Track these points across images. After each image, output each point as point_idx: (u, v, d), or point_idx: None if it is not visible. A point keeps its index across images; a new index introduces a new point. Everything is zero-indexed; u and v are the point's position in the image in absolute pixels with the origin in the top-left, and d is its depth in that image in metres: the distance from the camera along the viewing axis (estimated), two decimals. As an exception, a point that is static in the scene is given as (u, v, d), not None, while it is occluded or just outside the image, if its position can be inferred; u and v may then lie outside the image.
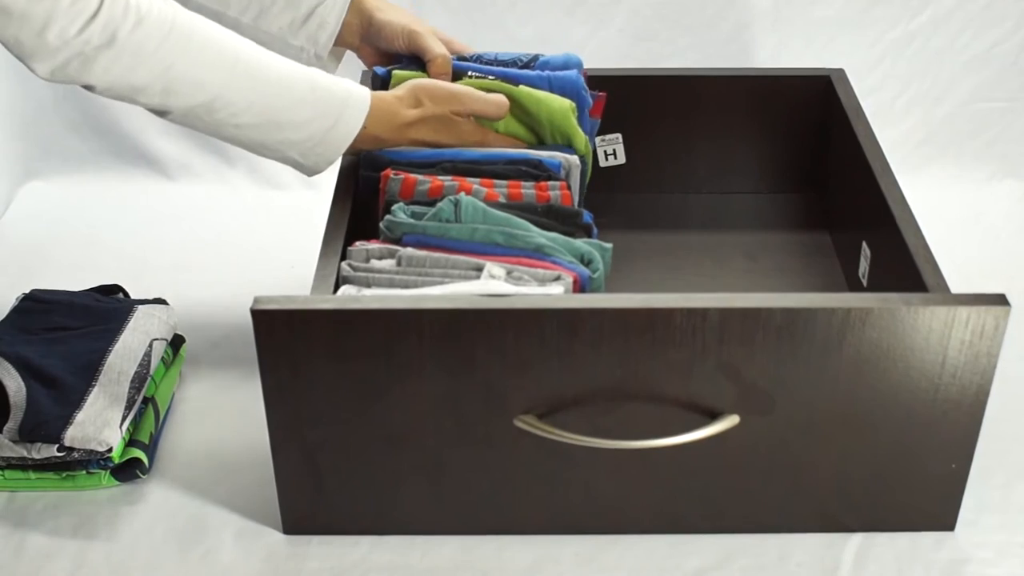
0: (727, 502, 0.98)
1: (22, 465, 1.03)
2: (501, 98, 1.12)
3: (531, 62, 1.20)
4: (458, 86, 1.13)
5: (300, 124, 1.05)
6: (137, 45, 0.97)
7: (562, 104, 1.14)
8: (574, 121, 1.14)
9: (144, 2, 0.97)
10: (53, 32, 0.94)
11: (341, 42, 1.21)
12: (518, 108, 1.14)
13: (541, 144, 1.16)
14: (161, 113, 1.03)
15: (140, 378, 1.08)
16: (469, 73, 1.17)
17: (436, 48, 1.17)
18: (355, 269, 0.98)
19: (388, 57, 1.23)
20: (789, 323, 0.88)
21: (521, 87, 1.14)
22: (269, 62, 1.04)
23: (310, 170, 1.10)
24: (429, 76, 1.16)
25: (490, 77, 1.16)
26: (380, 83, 1.19)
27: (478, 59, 1.20)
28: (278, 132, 1.05)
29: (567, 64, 1.19)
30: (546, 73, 1.16)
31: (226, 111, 1.02)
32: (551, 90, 1.15)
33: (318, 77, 1.06)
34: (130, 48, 0.96)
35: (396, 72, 1.17)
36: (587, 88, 1.17)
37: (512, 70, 1.17)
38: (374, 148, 1.11)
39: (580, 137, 1.15)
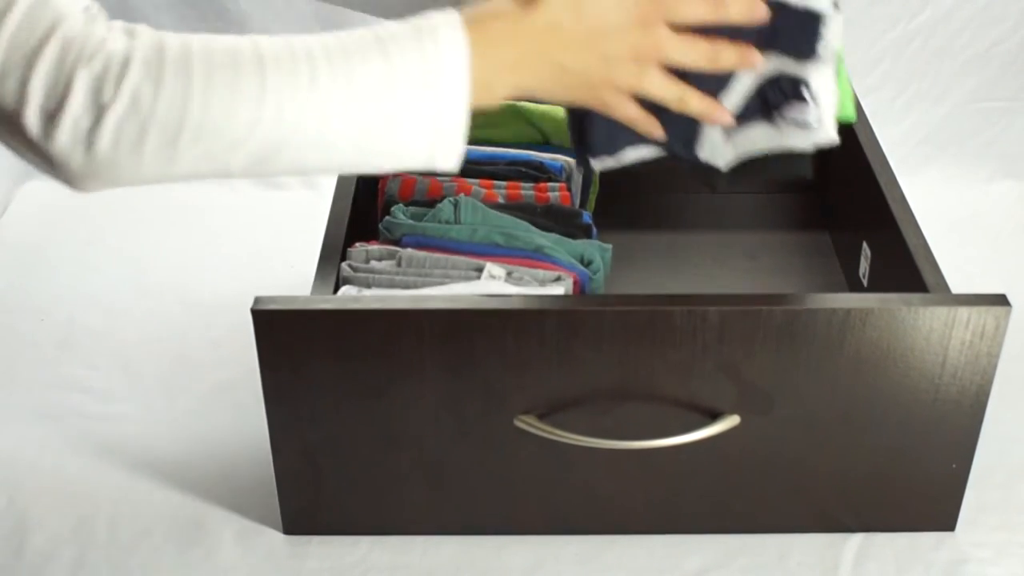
0: (727, 502, 0.98)
1: None
2: None
3: None
4: None
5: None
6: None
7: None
8: None
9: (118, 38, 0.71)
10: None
11: None
12: (524, 117, 1.15)
13: (547, 145, 1.16)
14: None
15: None
16: None
17: None
18: (355, 270, 0.98)
19: None
20: (789, 323, 0.88)
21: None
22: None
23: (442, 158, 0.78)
24: None
25: None
26: None
27: None
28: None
29: None
30: None
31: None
32: None
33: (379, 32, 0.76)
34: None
35: None
36: None
37: None
38: (517, 91, 0.80)
39: None
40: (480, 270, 0.97)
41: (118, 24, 0.72)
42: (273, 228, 1.43)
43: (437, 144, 0.76)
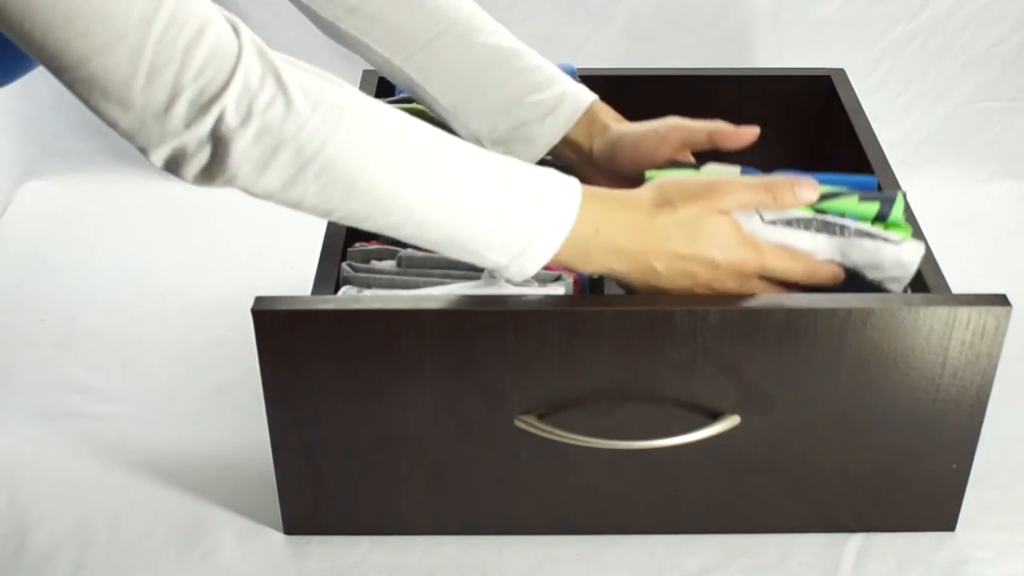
0: (727, 502, 0.98)
1: None
2: (831, 269, 0.92)
3: None
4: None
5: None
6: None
7: None
8: None
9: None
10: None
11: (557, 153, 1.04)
12: None
13: None
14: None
15: None
16: None
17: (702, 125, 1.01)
18: (355, 270, 0.98)
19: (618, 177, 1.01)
20: (790, 323, 0.88)
21: None
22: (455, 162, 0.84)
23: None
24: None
25: None
26: None
27: None
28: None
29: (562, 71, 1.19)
30: None
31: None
32: None
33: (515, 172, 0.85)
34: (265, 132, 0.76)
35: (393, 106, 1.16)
36: None
37: None
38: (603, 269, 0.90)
39: None
40: (480, 270, 0.97)
41: (253, 39, 0.77)
42: (273, 228, 1.42)
43: (512, 269, 0.86)
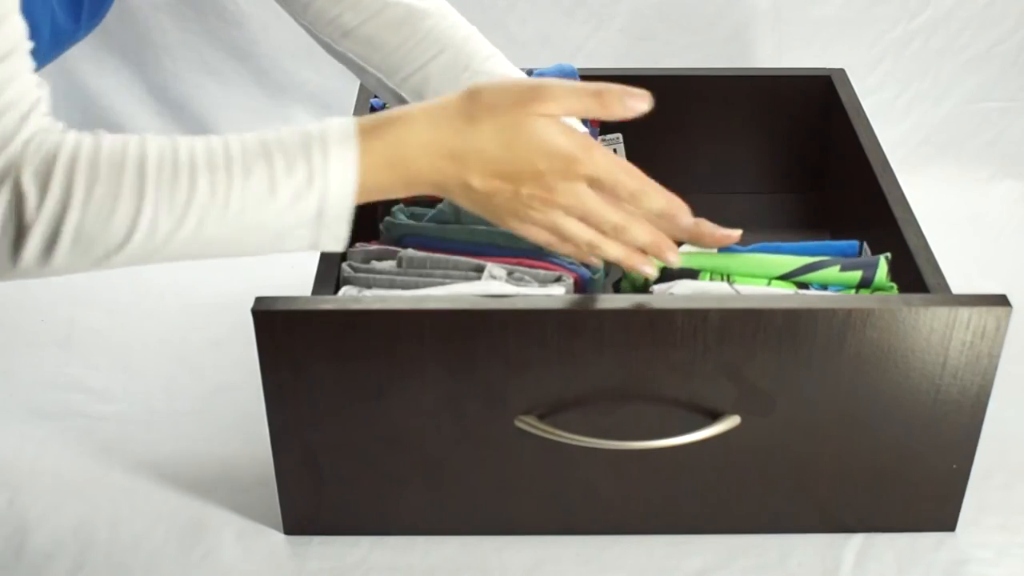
0: (727, 502, 0.98)
1: None
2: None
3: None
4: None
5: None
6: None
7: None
8: None
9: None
10: None
11: None
12: None
13: None
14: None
15: None
16: None
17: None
18: (356, 270, 0.98)
19: None
20: (790, 324, 0.88)
21: None
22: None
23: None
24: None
25: None
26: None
27: None
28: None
29: (560, 73, 1.19)
30: None
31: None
32: None
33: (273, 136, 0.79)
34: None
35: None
36: None
37: None
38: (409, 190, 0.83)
39: None
40: (480, 270, 0.97)
41: (32, 120, 0.76)
42: (273, 228, 1.42)
43: (319, 241, 0.80)
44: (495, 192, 0.81)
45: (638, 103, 0.82)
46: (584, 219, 0.84)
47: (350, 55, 1.02)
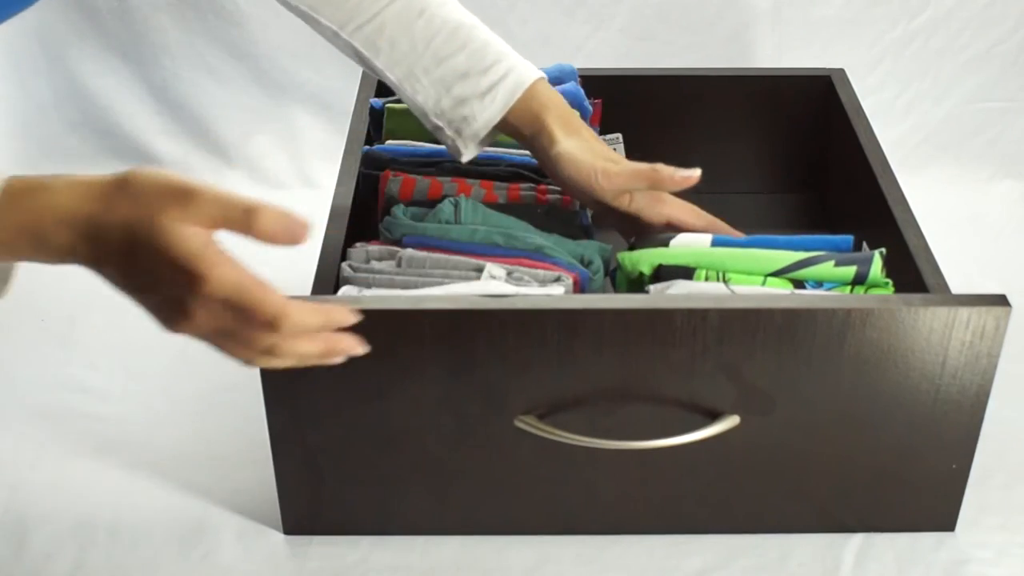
0: (727, 502, 0.98)
1: None
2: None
3: None
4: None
5: None
6: None
7: None
8: None
9: None
10: None
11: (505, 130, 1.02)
12: None
13: None
14: None
15: None
16: None
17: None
18: (355, 270, 0.98)
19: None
20: (789, 324, 0.88)
21: None
22: None
23: None
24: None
25: None
26: (377, 116, 1.16)
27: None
28: None
29: (560, 73, 1.18)
30: None
31: None
32: None
33: None
34: None
35: (390, 106, 1.15)
36: (586, 97, 1.17)
37: None
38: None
39: None
40: (480, 270, 0.97)
41: None
42: (273, 228, 1.42)
43: None
44: (131, 290, 0.76)
45: (294, 227, 0.74)
46: (233, 338, 0.76)
47: (303, 7, 1.00)
